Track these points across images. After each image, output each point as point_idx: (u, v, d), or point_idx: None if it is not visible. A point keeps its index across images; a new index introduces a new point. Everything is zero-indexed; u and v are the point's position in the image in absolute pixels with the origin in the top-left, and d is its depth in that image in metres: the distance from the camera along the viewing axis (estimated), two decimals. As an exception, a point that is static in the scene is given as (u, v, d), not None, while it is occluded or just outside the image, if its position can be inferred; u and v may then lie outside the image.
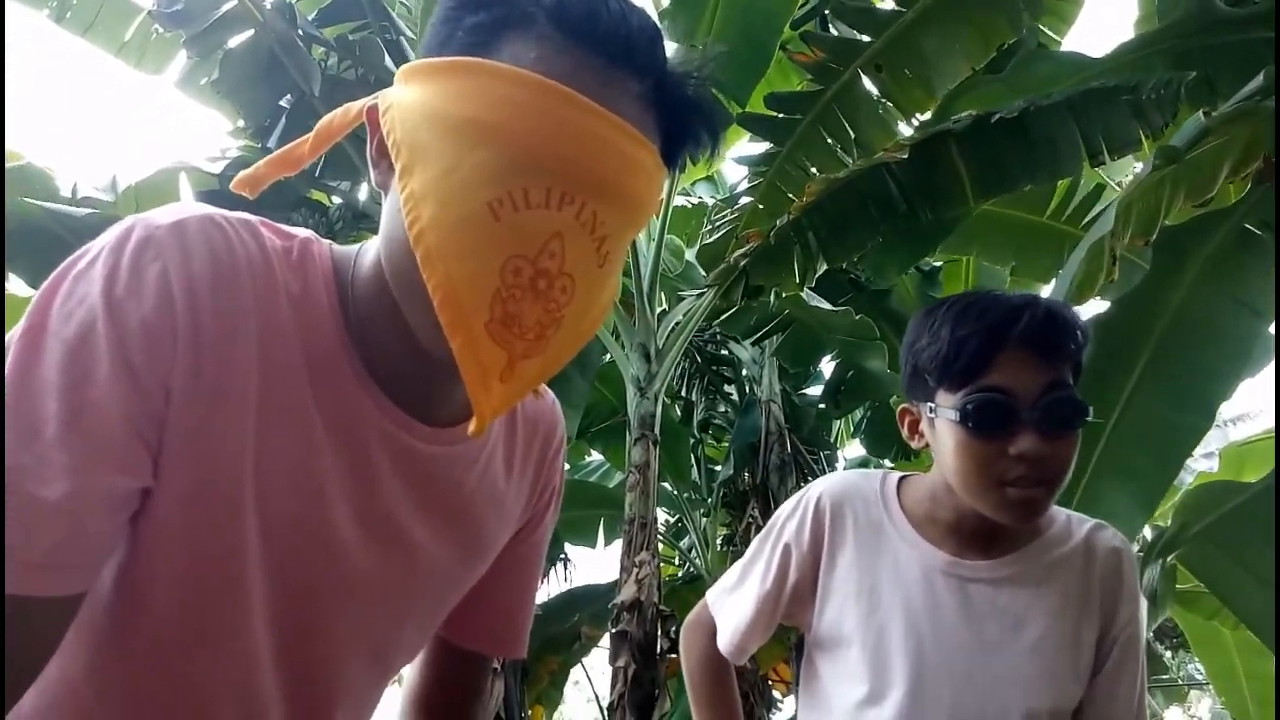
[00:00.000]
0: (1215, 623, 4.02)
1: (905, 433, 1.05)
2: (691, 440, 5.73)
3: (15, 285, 3.76)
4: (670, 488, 5.47)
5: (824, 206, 3.20)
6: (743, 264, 3.49)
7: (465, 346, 0.50)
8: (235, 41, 3.46)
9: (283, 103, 3.59)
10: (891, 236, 3.36)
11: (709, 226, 3.93)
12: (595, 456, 6.10)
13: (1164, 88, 2.37)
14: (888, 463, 5.51)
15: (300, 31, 3.42)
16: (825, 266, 3.41)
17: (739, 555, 1.17)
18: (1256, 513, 2.40)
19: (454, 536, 0.66)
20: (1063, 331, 0.94)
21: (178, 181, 3.96)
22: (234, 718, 0.59)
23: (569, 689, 6.06)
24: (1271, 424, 4.97)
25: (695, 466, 5.78)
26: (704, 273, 3.98)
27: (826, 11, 3.44)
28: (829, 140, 3.39)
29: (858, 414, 5.76)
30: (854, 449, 6.78)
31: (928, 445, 1.02)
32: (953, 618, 0.99)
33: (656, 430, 3.86)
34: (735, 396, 5.75)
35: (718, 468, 5.76)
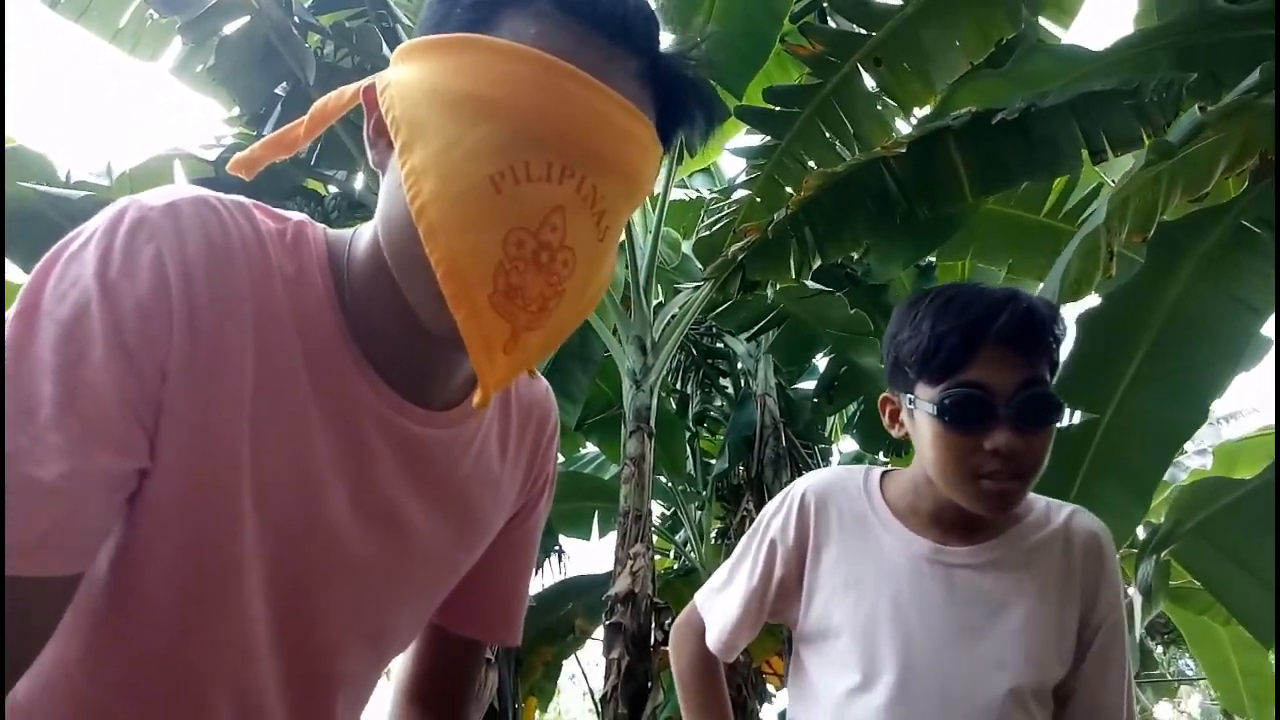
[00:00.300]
0: (1207, 618, 4.05)
1: (886, 421, 1.08)
2: (687, 433, 5.74)
3: (10, 270, 3.74)
4: (665, 480, 5.48)
5: (821, 201, 3.20)
6: (739, 257, 3.49)
7: (469, 319, 0.51)
8: (231, 28, 3.44)
9: (278, 90, 3.57)
10: (895, 233, 3.36)
11: (706, 220, 3.93)
12: (590, 449, 6.11)
13: (1166, 89, 2.38)
14: (881, 457, 5.53)
15: (296, 19, 3.40)
16: (821, 261, 3.41)
17: (733, 548, 1.18)
18: (1250, 509, 2.41)
19: (450, 519, 0.66)
20: (1040, 329, 0.96)
21: (172, 168, 3.94)
22: (231, 702, 0.58)
23: (565, 682, 6.09)
24: (1265, 422, 4.99)
25: (690, 459, 5.79)
26: (700, 266, 3.97)
27: (825, 4, 3.44)
28: (827, 134, 3.39)
29: (850, 409, 5.77)
30: (848, 443, 6.80)
31: (907, 434, 1.04)
32: (939, 603, 1.00)
33: (652, 423, 3.86)
34: (730, 390, 5.76)
35: (713, 461, 5.77)
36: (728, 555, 1.20)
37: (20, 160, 3.67)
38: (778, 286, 4.02)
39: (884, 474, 1.11)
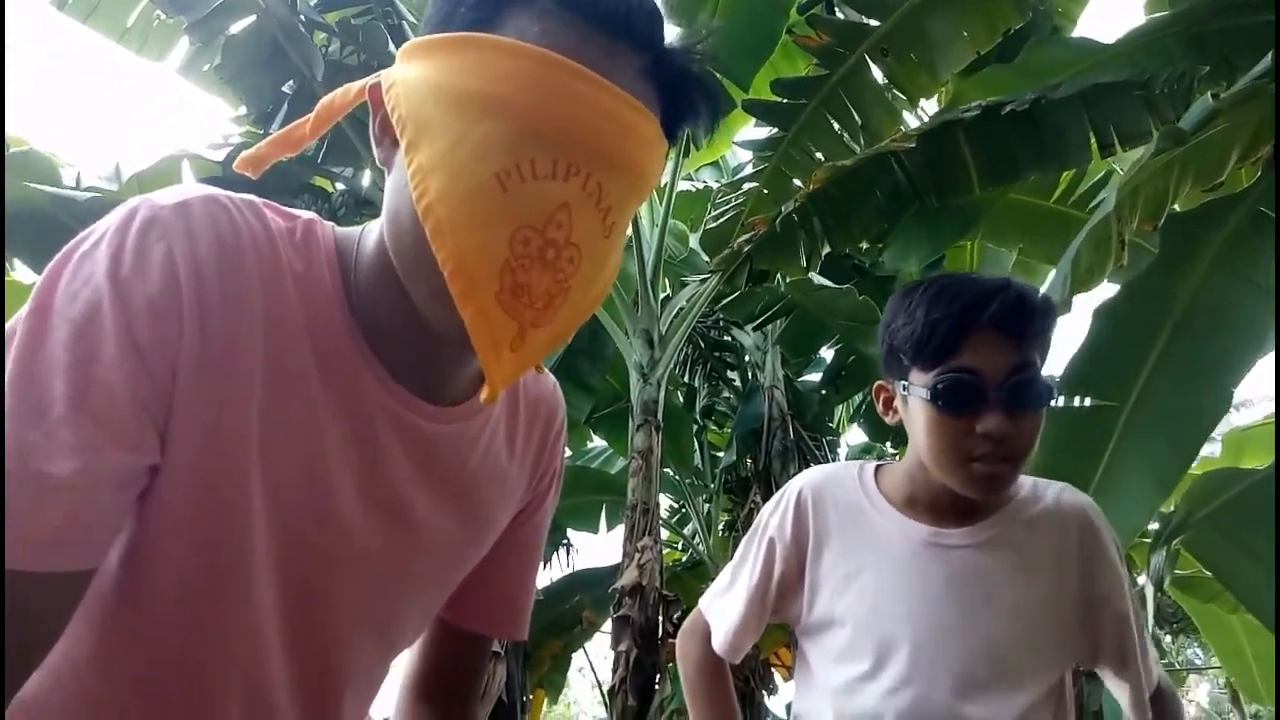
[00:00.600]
0: (1214, 606, 4.05)
1: (880, 408, 1.10)
2: (694, 426, 5.74)
3: (19, 272, 3.77)
4: (673, 473, 5.49)
5: (829, 192, 3.19)
6: (746, 249, 3.48)
7: (477, 316, 0.51)
8: (237, 27, 3.44)
9: (285, 89, 3.58)
10: (909, 229, 3.36)
11: (713, 212, 3.92)
12: (598, 442, 6.12)
13: (1177, 81, 2.36)
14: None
15: (302, 17, 3.41)
16: (829, 251, 3.40)
17: (740, 541, 1.19)
18: (1258, 499, 2.40)
19: (458, 513, 0.66)
20: (1031, 315, 0.98)
21: (180, 169, 3.96)
22: (242, 697, 0.59)
23: (575, 675, 6.11)
24: (1273, 409, 4.97)
25: (698, 452, 5.79)
26: (707, 258, 3.96)
27: (832, -6, 3.42)
28: (834, 125, 3.38)
29: (857, 399, 5.77)
30: (855, 435, 6.79)
31: (901, 421, 1.06)
32: (939, 587, 1.02)
33: (659, 416, 3.86)
34: (738, 382, 5.76)
35: (720, 454, 5.77)
36: (735, 548, 1.21)
37: (30, 163, 3.69)
38: (787, 279, 4.01)
39: (878, 467, 1.13)
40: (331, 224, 0.63)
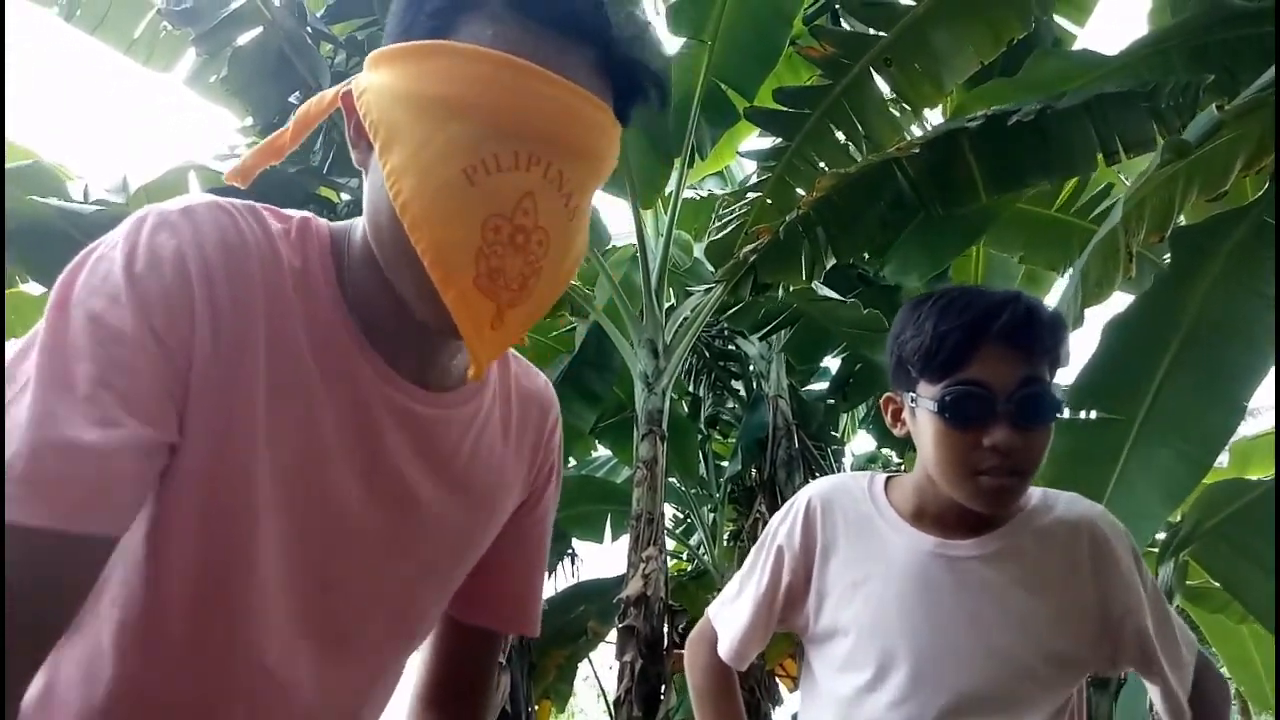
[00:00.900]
0: (1223, 616, 4.03)
1: (889, 420, 1.09)
2: (699, 436, 5.74)
3: (27, 285, 3.79)
4: (678, 483, 5.48)
5: (833, 201, 3.20)
6: (751, 259, 3.49)
7: (457, 301, 0.55)
8: (244, 39, 3.47)
9: (292, 99, 3.60)
10: (918, 235, 3.36)
11: (717, 222, 3.93)
12: (603, 452, 6.12)
13: (1182, 93, 2.36)
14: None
15: (309, 29, 3.43)
16: (834, 261, 3.40)
17: (746, 550, 1.19)
18: (1265, 509, 2.39)
19: (457, 495, 0.69)
20: (1040, 329, 0.97)
21: (187, 181, 3.98)
22: (259, 676, 0.61)
23: (581, 685, 6.09)
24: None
25: (703, 462, 5.79)
26: (712, 268, 3.97)
27: (837, 6, 3.43)
28: (838, 135, 3.39)
29: (863, 408, 5.75)
30: (861, 444, 6.78)
31: (909, 433, 1.06)
32: (947, 598, 1.01)
33: (664, 426, 3.86)
34: (743, 392, 5.75)
35: (725, 463, 5.76)
36: (740, 557, 1.21)
37: (38, 176, 3.71)
38: (790, 289, 4.01)
39: (888, 479, 1.13)
40: (326, 221, 0.66)
